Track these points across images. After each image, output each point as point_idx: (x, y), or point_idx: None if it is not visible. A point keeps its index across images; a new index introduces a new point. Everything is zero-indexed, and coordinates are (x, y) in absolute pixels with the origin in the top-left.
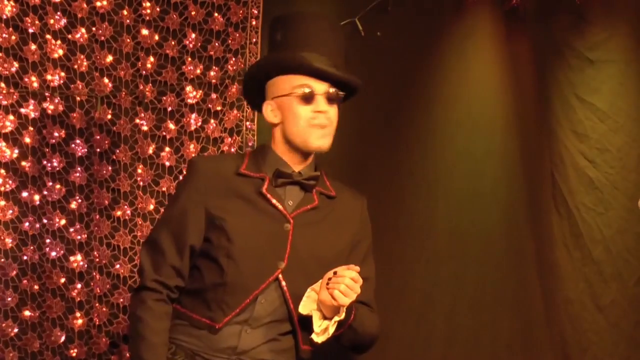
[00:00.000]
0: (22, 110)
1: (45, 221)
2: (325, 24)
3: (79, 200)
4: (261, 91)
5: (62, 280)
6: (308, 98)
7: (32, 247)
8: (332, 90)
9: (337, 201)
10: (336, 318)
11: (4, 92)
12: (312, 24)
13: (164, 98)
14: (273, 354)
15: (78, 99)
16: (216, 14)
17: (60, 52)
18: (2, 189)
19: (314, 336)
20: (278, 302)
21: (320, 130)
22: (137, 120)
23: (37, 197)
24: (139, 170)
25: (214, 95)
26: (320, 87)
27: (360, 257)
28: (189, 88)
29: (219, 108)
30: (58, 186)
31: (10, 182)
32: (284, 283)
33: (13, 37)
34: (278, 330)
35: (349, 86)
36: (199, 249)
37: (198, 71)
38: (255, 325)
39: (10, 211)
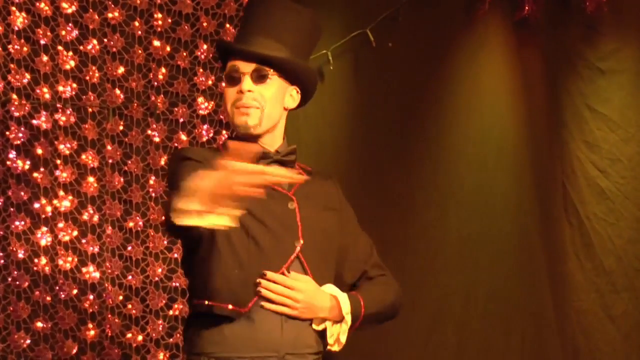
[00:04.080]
0: (34, 122)
1: (57, 232)
2: (277, 5)
3: (91, 212)
4: None
5: (75, 291)
6: (233, 79)
7: (44, 259)
8: (259, 68)
9: (315, 176)
10: (344, 327)
11: (16, 103)
12: (260, 8)
13: (176, 109)
14: (312, 341)
15: (90, 110)
16: (228, 25)
17: (72, 63)
18: (14, 200)
19: (330, 348)
20: None
21: (242, 110)
22: (149, 132)
23: (49, 209)
24: (151, 182)
25: None
26: (247, 67)
27: (357, 229)
28: (200, 99)
29: None
30: (70, 197)
31: (22, 193)
32: (304, 261)
33: (25, 49)
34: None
35: (275, 66)
36: None
37: (210, 82)
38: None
39: (22, 222)
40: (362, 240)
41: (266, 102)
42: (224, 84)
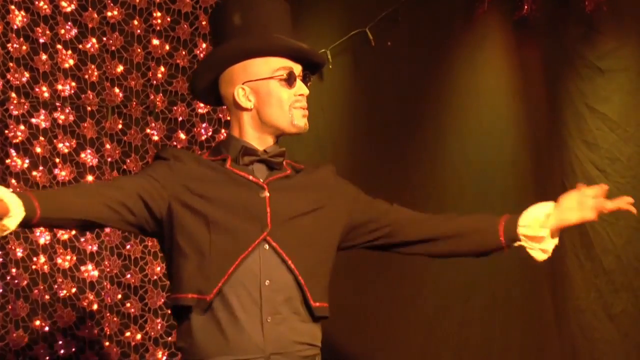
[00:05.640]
0: (33, 120)
1: (55, 231)
2: (281, 6)
3: None
4: (214, 79)
5: (73, 290)
6: (291, 81)
7: (43, 257)
8: (305, 72)
9: (305, 171)
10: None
11: (15, 102)
12: (271, 6)
13: (175, 108)
14: (300, 338)
15: (89, 108)
16: None
17: (71, 62)
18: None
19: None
20: (279, 270)
21: (302, 112)
22: (148, 130)
23: None
24: None
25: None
26: (297, 69)
27: (368, 201)
28: None
29: (229, 118)
30: None
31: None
32: (274, 244)
33: (24, 47)
34: (294, 309)
35: (312, 68)
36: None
37: None
38: (272, 311)
39: None
40: (381, 202)
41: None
42: (272, 82)
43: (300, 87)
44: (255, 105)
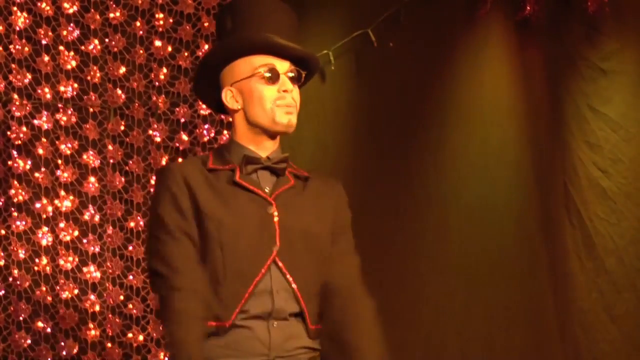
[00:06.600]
0: (35, 122)
1: (58, 232)
2: (276, 6)
3: (92, 212)
4: (213, 85)
5: (75, 291)
6: (273, 78)
7: (45, 259)
8: (294, 69)
9: (311, 180)
10: None
11: (17, 103)
12: (263, 7)
13: (177, 109)
14: (304, 342)
15: (91, 110)
16: None
17: (74, 63)
18: (15, 200)
19: None
20: (284, 287)
21: (286, 108)
22: (150, 132)
23: (50, 209)
24: (152, 182)
25: None
26: (283, 66)
27: (340, 228)
28: None
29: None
30: (71, 197)
31: (23, 193)
32: (281, 264)
33: (26, 49)
34: (296, 323)
35: (307, 67)
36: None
37: None
38: (279, 316)
39: (23, 222)
40: (346, 244)
41: (297, 103)
42: (253, 80)
43: (284, 84)
44: (242, 106)
